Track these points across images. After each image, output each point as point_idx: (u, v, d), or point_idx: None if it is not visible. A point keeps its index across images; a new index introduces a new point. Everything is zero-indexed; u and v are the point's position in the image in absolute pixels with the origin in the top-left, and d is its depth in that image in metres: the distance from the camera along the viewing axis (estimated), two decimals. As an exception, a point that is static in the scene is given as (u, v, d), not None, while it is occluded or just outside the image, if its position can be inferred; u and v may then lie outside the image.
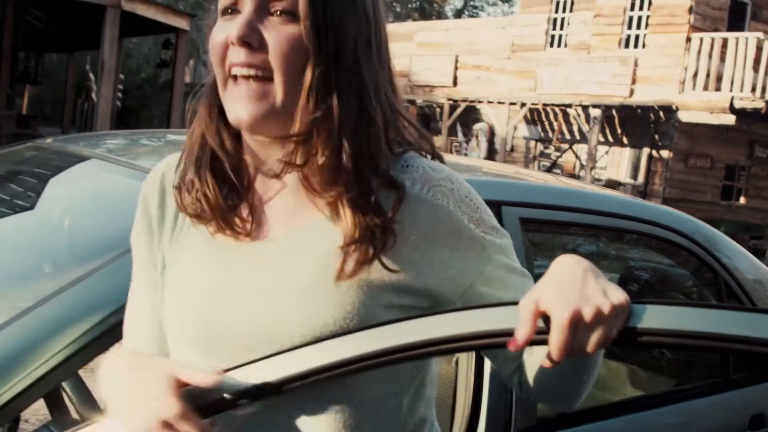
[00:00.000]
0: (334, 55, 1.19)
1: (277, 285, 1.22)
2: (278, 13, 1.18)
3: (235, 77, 1.20)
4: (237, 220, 1.26)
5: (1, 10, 15.61)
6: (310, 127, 1.18)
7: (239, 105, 1.19)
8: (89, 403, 2.11)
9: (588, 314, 1.05)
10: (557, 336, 1.06)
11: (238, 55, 1.18)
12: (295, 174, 1.22)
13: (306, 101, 1.18)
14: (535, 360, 1.27)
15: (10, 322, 1.59)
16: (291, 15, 1.18)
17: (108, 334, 1.59)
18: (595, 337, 1.06)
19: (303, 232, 1.24)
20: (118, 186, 2.21)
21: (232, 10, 1.21)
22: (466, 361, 2.07)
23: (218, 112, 1.26)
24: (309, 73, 1.18)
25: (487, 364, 2.01)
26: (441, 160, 1.33)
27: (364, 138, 1.20)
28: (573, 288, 1.07)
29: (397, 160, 1.26)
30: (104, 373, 1.23)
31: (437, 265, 1.25)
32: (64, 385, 2.13)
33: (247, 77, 1.19)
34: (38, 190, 2.49)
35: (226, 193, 1.26)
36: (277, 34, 1.17)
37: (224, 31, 1.20)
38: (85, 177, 2.39)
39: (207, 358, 1.23)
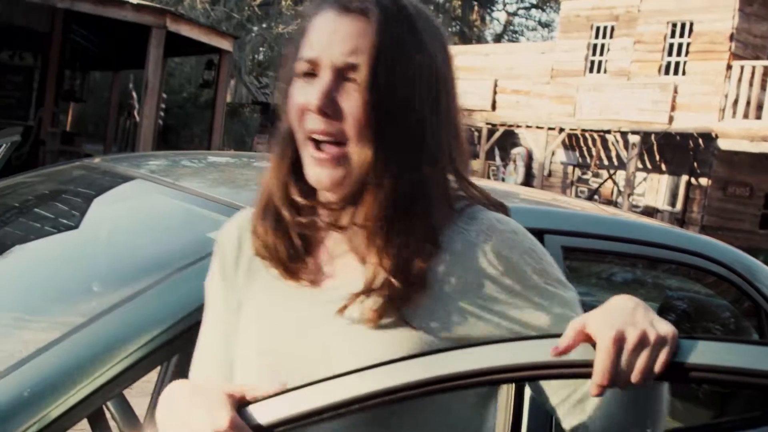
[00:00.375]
0: (403, 122, 1.26)
1: (329, 327, 1.29)
2: (354, 80, 1.25)
3: (314, 140, 1.28)
4: (299, 267, 1.34)
5: (49, 29, 15.86)
6: (372, 186, 1.26)
7: (318, 169, 1.28)
8: (132, 421, 2.13)
9: (632, 338, 1.07)
10: (601, 357, 1.08)
11: (316, 122, 1.26)
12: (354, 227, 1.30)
13: (376, 164, 1.25)
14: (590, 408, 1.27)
15: (59, 340, 1.61)
16: (369, 85, 1.24)
17: (155, 354, 1.62)
18: (639, 364, 1.07)
19: (351, 281, 1.29)
20: (163, 206, 2.25)
21: (310, 74, 1.29)
22: (506, 391, 2.07)
23: (291, 163, 1.34)
24: (380, 138, 1.25)
25: (527, 393, 2.01)
26: (506, 212, 1.38)
27: (420, 199, 1.28)
28: (621, 315, 1.11)
29: (461, 213, 1.33)
30: (164, 396, 1.26)
31: (498, 314, 1.28)
32: (108, 403, 2.16)
33: (326, 142, 1.27)
34: (86, 209, 2.53)
35: (289, 243, 1.34)
36: (353, 103, 1.25)
37: (303, 95, 1.28)
38: (132, 197, 2.43)
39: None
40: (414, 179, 1.27)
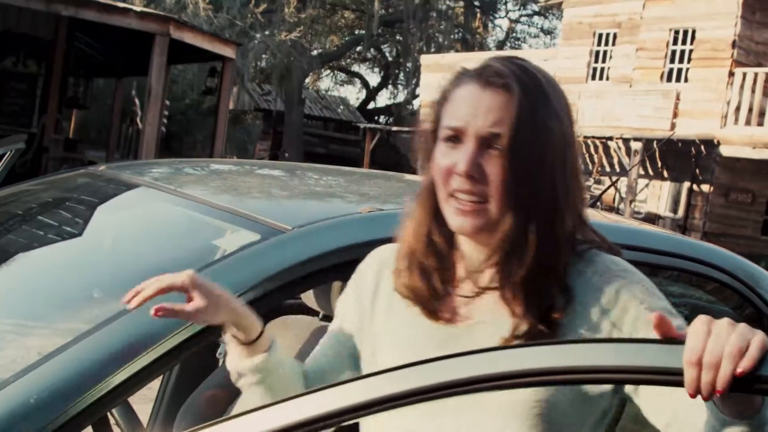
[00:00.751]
0: (538, 181, 1.44)
1: None
2: (496, 147, 1.43)
3: (456, 197, 1.46)
4: (439, 307, 1.53)
5: (53, 37, 15.89)
6: (511, 239, 1.45)
7: (461, 218, 1.46)
8: (136, 427, 2.14)
9: (714, 342, 1.08)
10: (685, 356, 1.09)
11: (462, 183, 1.45)
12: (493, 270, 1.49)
13: (512, 217, 1.44)
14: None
15: (64, 347, 1.62)
16: (507, 150, 1.42)
17: (160, 361, 1.62)
18: (724, 369, 1.06)
19: (484, 324, 1.49)
20: (167, 214, 2.26)
21: (454, 139, 1.47)
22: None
23: (433, 214, 1.54)
24: (516, 195, 1.43)
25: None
26: (619, 254, 1.55)
27: (555, 254, 1.46)
28: (704, 322, 1.13)
29: (582, 256, 1.50)
30: None
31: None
32: (114, 411, 2.16)
33: (468, 200, 1.45)
34: (90, 217, 2.53)
35: (431, 285, 1.53)
36: (496, 168, 1.43)
37: (448, 159, 1.47)
38: (136, 205, 2.44)
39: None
40: (550, 236, 1.45)
